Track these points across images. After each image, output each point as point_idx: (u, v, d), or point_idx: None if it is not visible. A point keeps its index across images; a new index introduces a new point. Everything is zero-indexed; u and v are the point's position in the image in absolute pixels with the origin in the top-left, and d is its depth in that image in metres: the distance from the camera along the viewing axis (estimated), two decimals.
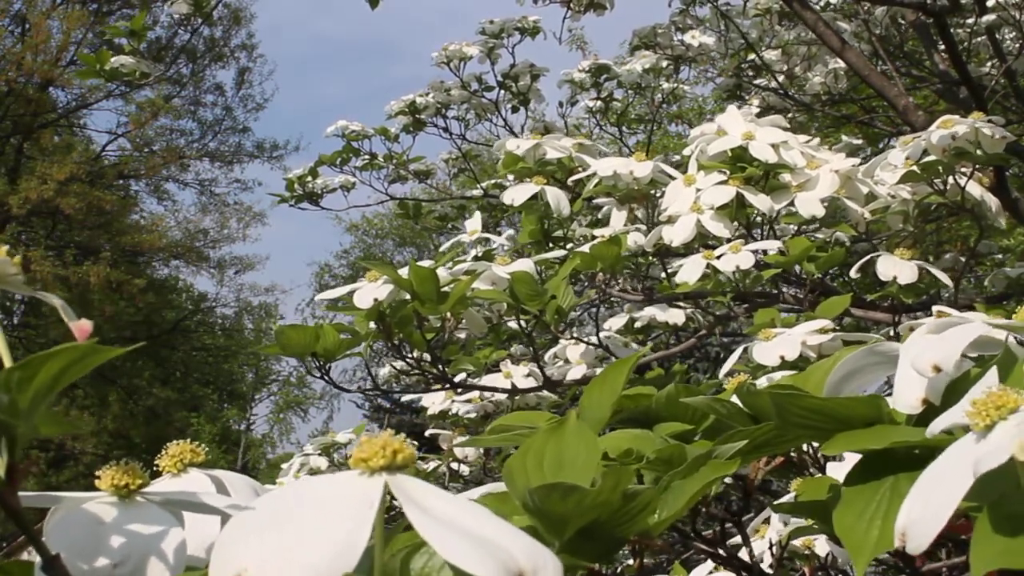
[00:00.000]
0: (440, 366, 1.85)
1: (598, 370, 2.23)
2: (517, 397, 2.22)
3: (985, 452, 0.38)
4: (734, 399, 0.68)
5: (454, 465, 2.41)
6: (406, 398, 2.71)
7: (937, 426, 0.46)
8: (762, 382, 0.98)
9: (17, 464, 0.37)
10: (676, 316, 2.24)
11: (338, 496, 0.36)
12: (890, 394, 0.56)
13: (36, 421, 0.36)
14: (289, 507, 0.37)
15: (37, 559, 0.38)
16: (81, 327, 0.41)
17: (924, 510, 0.39)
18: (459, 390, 2.26)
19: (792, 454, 0.83)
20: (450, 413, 2.30)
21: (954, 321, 0.54)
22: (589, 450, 0.49)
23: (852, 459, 0.98)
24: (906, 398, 0.53)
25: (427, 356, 1.80)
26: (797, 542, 1.11)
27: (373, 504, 0.35)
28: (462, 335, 2.22)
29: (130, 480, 0.43)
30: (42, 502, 0.43)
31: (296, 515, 0.36)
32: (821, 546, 1.12)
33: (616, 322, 2.35)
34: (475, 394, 2.28)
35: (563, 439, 0.50)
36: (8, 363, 0.36)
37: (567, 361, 2.28)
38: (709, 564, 1.12)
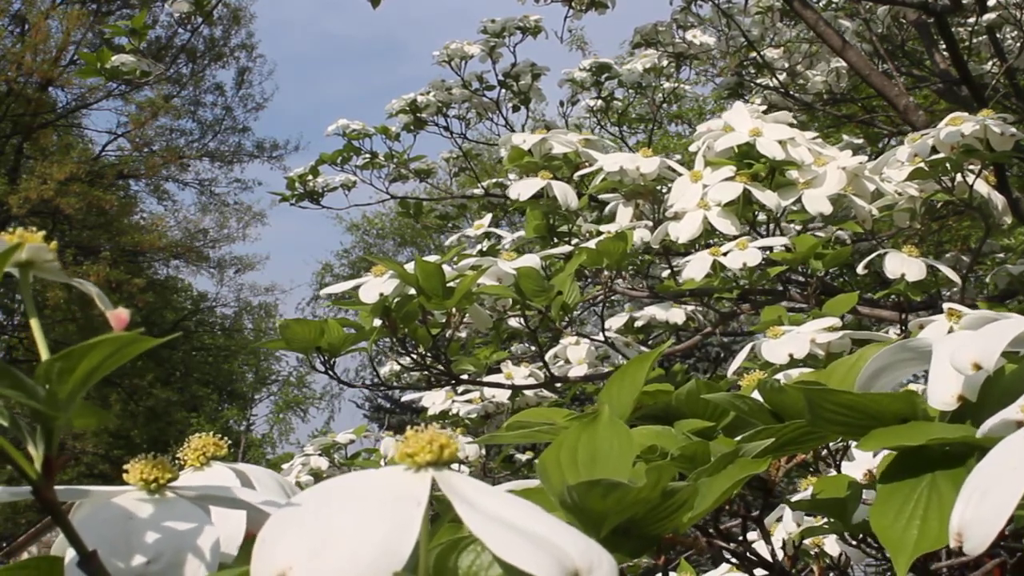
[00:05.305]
0: (444, 361, 1.84)
1: (602, 368, 2.22)
2: (518, 397, 2.21)
3: None
4: (755, 395, 0.67)
5: (454, 465, 2.40)
6: (407, 397, 2.70)
7: (988, 424, 0.45)
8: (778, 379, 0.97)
9: (53, 457, 0.36)
10: (676, 315, 2.23)
11: (384, 492, 0.35)
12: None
13: (71, 413, 0.35)
14: (333, 504, 0.35)
15: (69, 554, 0.37)
16: (119, 316, 0.40)
17: (980, 509, 0.38)
18: (460, 389, 2.25)
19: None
20: (451, 413, 2.30)
21: (992, 317, 0.52)
22: (623, 444, 0.48)
23: (864, 458, 0.97)
24: (941, 394, 0.52)
25: (430, 353, 1.80)
26: (806, 541, 1.10)
27: (421, 501, 0.34)
28: (463, 334, 2.21)
29: (160, 474, 0.42)
30: (70, 496, 0.42)
31: (341, 512, 0.35)
32: (831, 545, 1.11)
33: (616, 321, 2.34)
34: (475, 394, 2.27)
35: (596, 433, 0.49)
36: (45, 355, 0.35)
37: (567, 361, 2.27)
38: (724, 567, 1.11)
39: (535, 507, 0.35)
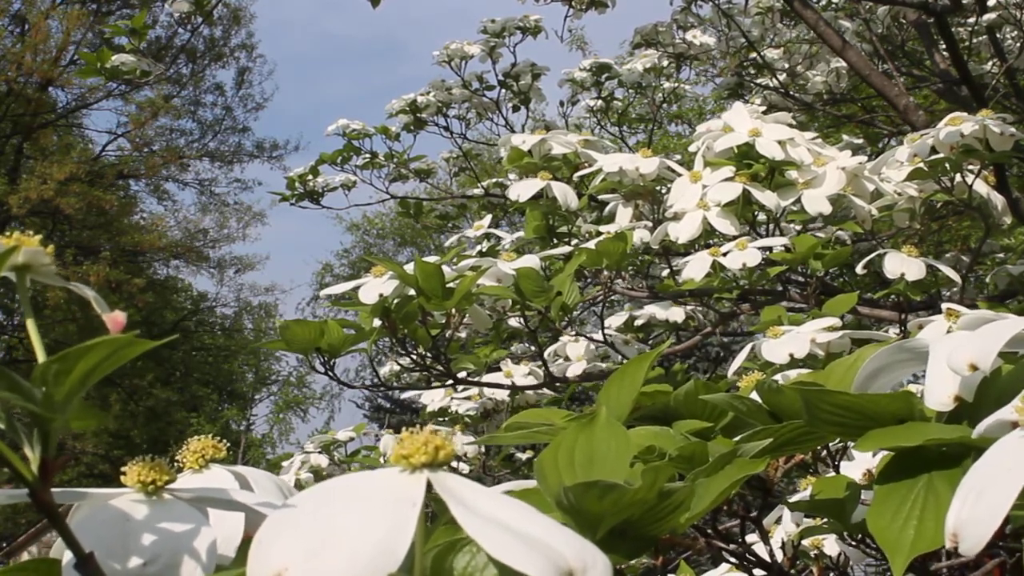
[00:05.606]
0: (444, 361, 1.84)
1: (601, 365, 2.22)
2: (518, 395, 2.21)
3: None
4: (753, 396, 0.67)
5: (453, 463, 2.40)
6: (407, 395, 2.70)
7: (984, 425, 0.45)
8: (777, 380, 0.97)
9: (50, 460, 0.36)
10: (676, 314, 2.23)
11: (379, 493, 0.35)
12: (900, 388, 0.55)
13: (68, 415, 0.35)
14: (329, 505, 0.36)
15: (66, 556, 0.37)
16: (115, 319, 0.40)
17: (976, 509, 0.38)
18: (459, 388, 2.25)
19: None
20: (449, 411, 2.30)
21: (990, 317, 0.52)
22: (620, 446, 0.48)
23: (862, 459, 0.97)
24: (938, 395, 0.52)
25: (429, 353, 1.80)
26: (805, 542, 1.10)
27: (416, 502, 0.34)
28: (463, 334, 2.21)
29: (157, 476, 0.42)
30: (67, 498, 0.42)
31: (336, 513, 0.35)
32: (830, 546, 1.11)
33: (616, 320, 2.34)
34: (474, 392, 2.27)
35: (594, 434, 0.49)
36: (42, 357, 0.35)
37: (566, 359, 2.27)
38: (723, 568, 1.10)
39: (530, 508, 0.35)
